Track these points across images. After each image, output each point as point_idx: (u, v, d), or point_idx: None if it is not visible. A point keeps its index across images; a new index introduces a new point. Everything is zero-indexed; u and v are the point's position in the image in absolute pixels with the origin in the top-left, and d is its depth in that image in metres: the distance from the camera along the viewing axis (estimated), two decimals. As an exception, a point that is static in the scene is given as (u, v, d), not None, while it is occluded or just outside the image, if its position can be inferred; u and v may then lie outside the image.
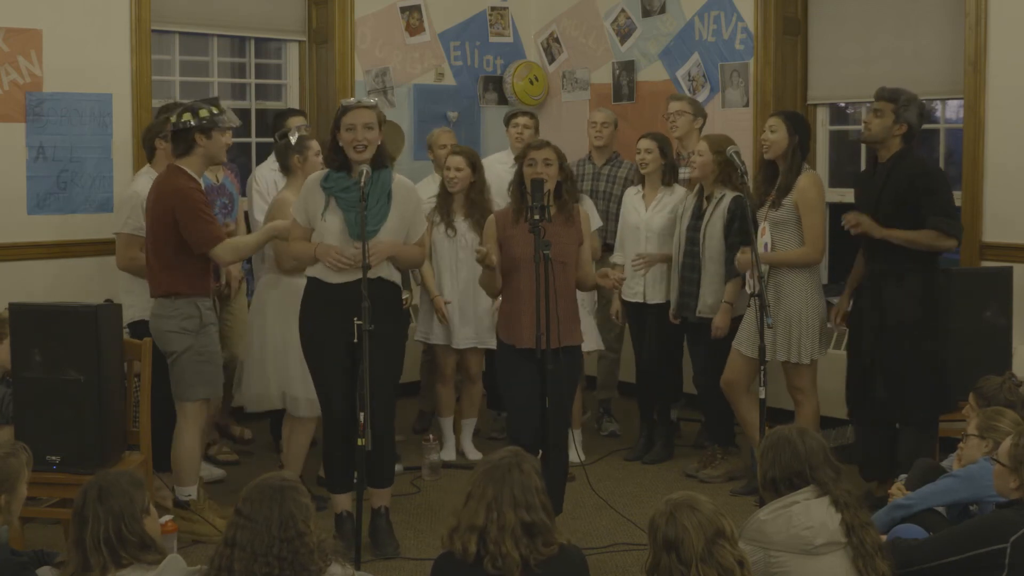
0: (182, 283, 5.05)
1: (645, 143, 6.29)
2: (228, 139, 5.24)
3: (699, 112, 6.62)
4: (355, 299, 4.55)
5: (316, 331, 4.84)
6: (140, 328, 5.38)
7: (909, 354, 5.32)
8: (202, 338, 5.10)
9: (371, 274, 4.69)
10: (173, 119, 5.12)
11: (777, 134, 5.61)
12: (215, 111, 5.09)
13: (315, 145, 5.54)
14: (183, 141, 5.07)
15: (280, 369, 5.43)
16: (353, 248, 4.70)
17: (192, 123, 5.04)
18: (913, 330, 5.32)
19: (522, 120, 6.81)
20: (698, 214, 5.97)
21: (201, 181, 5.20)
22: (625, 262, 6.37)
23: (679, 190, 6.29)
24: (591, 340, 6.23)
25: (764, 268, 5.47)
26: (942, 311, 5.38)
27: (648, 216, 6.29)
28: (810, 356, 5.61)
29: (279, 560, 3.01)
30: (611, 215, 6.69)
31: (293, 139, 5.55)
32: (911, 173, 5.30)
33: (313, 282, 4.88)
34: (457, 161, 6.18)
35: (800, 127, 5.66)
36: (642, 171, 6.30)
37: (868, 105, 5.49)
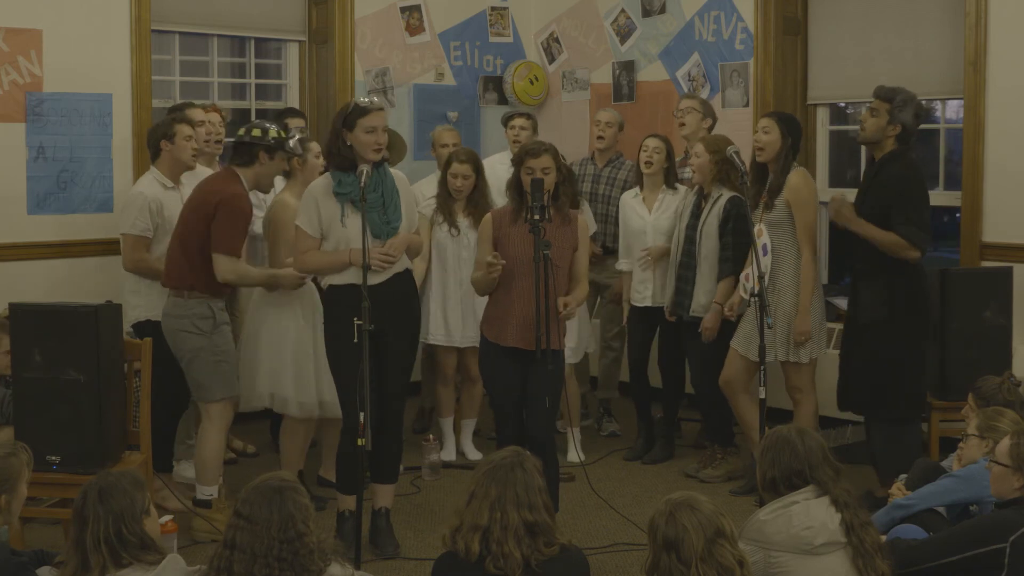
0: (200, 281, 5.06)
1: (654, 142, 6.27)
2: (283, 167, 5.30)
3: (708, 113, 6.54)
4: (387, 298, 4.62)
5: (351, 336, 4.63)
6: (145, 328, 5.38)
7: (873, 355, 5.35)
8: (216, 338, 5.11)
9: (394, 268, 4.79)
10: (241, 132, 5.19)
11: (770, 135, 5.61)
12: (283, 135, 5.19)
13: (315, 147, 5.55)
14: (246, 153, 5.13)
15: (272, 370, 5.40)
16: (385, 245, 4.74)
17: (260, 139, 5.10)
18: (877, 332, 5.34)
19: (519, 121, 6.80)
20: (697, 213, 5.97)
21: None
22: (632, 268, 6.35)
23: (681, 190, 6.28)
24: (577, 351, 6.27)
25: (764, 268, 5.48)
26: (913, 315, 5.38)
27: (654, 219, 6.27)
28: (809, 355, 5.62)
29: (279, 561, 3.00)
30: (610, 218, 6.68)
31: (293, 142, 5.55)
32: (892, 179, 5.31)
33: (343, 289, 4.78)
34: (464, 169, 6.16)
35: (793, 129, 5.64)
36: (645, 170, 6.28)
37: (863, 105, 5.50)
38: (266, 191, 5.45)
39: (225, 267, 5.03)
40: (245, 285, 5.18)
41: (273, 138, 5.13)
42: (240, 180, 5.13)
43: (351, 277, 4.77)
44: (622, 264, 6.45)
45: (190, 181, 5.52)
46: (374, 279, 4.72)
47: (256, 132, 5.14)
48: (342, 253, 4.78)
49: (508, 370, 4.81)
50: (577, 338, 6.22)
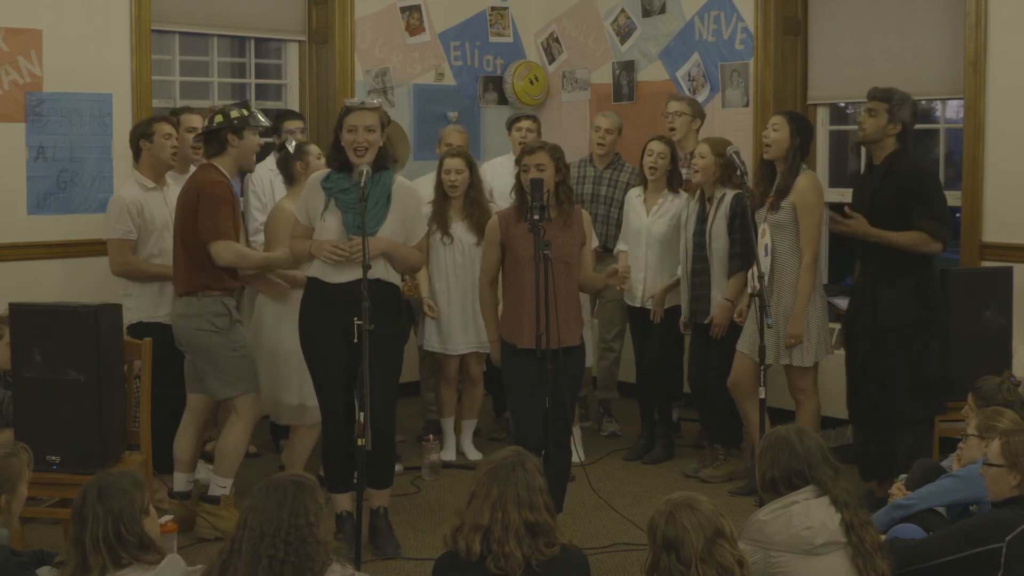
0: (211, 279, 5.05)
1: (659, 147, 6.26)
2: (259, 141, 5.27)
3: (698, 113, 6.60)
4: (354, 299, 4.54)
5: (316, 331, 4.84)
6: (139, 330, 5.37)
7: (902, 355, 5.31)
8: (232, 334, 5.11)
9: (369, 275, 4.66)
10: (205, 123, 5.18)
11: (779, 133, 5.59)
12: (245, 112, 5.16)
13: (314, 149, 5.54)
14: (216, 141, 5.14)
15: (271, 377, 5.40)
16: (348, 240, 4.70)
17: (224, 124, 5.08)
18: (906, 332, 5.31)
19: (525, 124, 6.79)
20: (702, 218, 5.96)
21: (232, 182, 5.23)
22: (628, 250, 6.34)
23: (682, 195, 6.27)
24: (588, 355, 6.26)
25: (765, 268, 5.47)
26: (936, 311, 5.37)
27: (649, 222, 6.27)
28: (814, 358, 5.60)
29: (285, 544, 3.01)
30: (612, 219, 6.67)
31: (291, 147, 5.55)
32: (905, 176, 5.29)
33: (312, 283, 4.88)
34: (457, 163, 6.16)
35: (803, 129, 5.63)
36: (650, 176, 6.28)
37: (862, 105, 5.50)
38: (251, 170, 5.46)
39: (221, 252, 5.02)
40: (246, 267, 5.15)
41: (236, 118, 5.11)
42: (215, 169, 5.11)
43: (316, 271, 4.83)
44: (620, 244, 6.43)
45: (179, 182, 5.51)
46: (337, 278, 4.74)
47: (219, 118, 5.13)
48: (306, 243, 4.83)
49: (526, 371, 4.79)
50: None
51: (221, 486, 5.17)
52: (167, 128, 5.54)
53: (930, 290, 5.36)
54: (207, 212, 5.01)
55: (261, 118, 5.28)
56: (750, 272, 5.40)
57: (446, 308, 6.23)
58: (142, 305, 5.47)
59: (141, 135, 5.57)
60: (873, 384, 5.40)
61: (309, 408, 5.33)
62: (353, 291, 4.61)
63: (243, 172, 5.65)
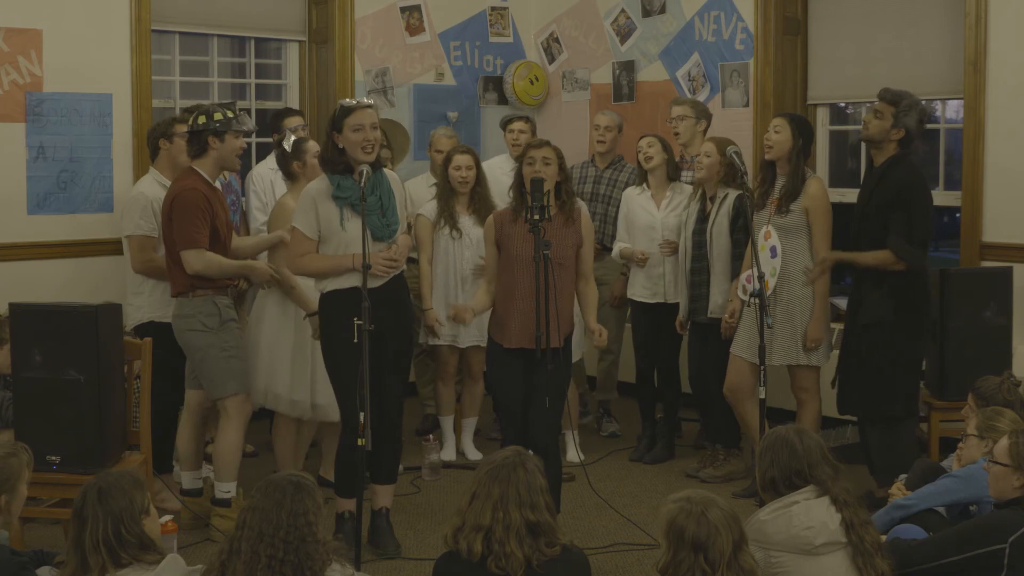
0: (199, 279, 5.04)
1: (647, 140, 6.30)
2: (241, 143, 5.24)
3: (701, 115, 6.53)
4: (386, 302, 4.63)
5: (352, 339, 4.60)
6: (147, 330, 5.37)
7: (877, 353, 5.33)
8: (223, 334, 5.10)
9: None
10: (190, 121, 5.17)
11: (781, 135, 5.58)
12: (229, 114, 5.13)
13: (312, 147, 5.51)
14: (197, 143, 5.12)
15: (269, 366, 5.41)
16: (387, 248, 4.74)
17: (205, 126, 5.07)
18: (883, 330, 5.32)
19: (518, 125, 6.78)
20: (702, 217, 5.96)
21: (216, 184, 5.21)
22: (632, 244, 6.34)
23: (685, 188, 6.28)
24: (574, 351, 6.25)
25: (771, 268, 5.47)
26: (919, 312, 5.37)
27: (663, 215, 6.27)
28: (819, 359, 5.60)
29: (284, 544, 3.01)
30: (610, 218, 6.67)
31: (288, 145, 5.54)
32: (897, 185, 5.29)
33: (346, 293, 4.72)
34: (466, 160, 6.20)
35: (804, 131, 5.61)
36: (646, 167, 6.28)
37: (870, 104, 5.49)
38: (234, 169, 5.46)
39: (192, 261, 5.00)
40: (219, 276, 5.09)
41: (218, 120, 5.09)
42: (196, 174, 5.10)
43: (354, 281, 4.70)
44: (620, 243, 6.41)
45: None
46: (374, 283, 4.69)
47: (201, 119, 5.10)
48: (344, 258, 4.73)
49: (513, 371, 4.80)
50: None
51: (225, 491, 5.17)
52: (185, 129, 5.53)
53: (913, 290, 5.34)
54: (179, 220, 5.00)
55: (246, 120, 5.27)
56: (748, 274, 5.39)
57: (453, 301, 6.23)
58: (153, 304, 5.47)
59: (161, 134, 5.59)
60: (851, 380, 5.45)
61: (297, 402, 5.37)
62: (384, 293, 4.68)
63: (229, 171, 5.61)
